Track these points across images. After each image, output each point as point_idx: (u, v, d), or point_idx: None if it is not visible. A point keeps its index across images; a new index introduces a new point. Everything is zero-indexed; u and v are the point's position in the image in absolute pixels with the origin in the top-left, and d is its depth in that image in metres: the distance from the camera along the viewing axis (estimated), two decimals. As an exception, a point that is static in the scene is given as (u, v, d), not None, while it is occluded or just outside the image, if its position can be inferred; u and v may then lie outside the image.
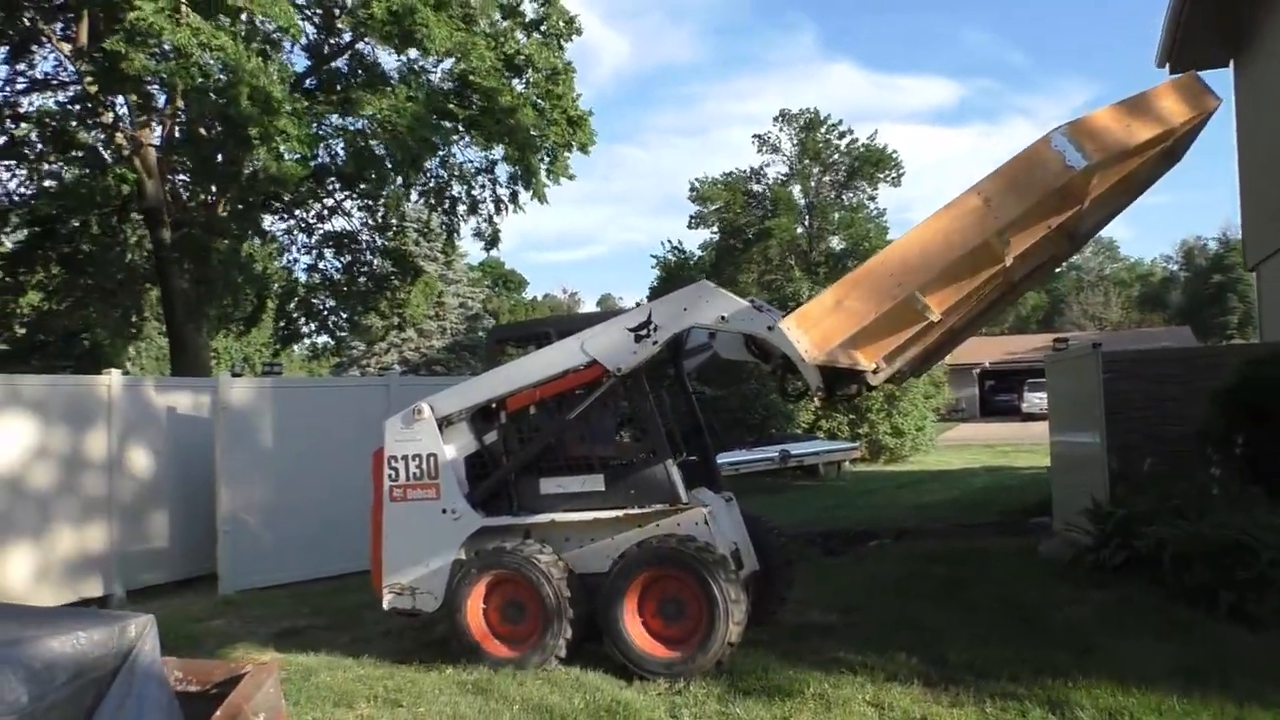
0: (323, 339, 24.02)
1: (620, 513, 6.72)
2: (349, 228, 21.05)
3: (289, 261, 22.31)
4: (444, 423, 7.05)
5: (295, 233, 21.38)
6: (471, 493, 7.02)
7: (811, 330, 5.65)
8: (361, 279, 21.10)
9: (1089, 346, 11.07)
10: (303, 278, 22.06)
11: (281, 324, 22.57)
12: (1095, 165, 5.59)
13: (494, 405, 7.10)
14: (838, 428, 25.37)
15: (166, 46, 13.77)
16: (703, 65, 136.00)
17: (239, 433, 10.74)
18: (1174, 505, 8.42)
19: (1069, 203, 5.98)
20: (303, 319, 22.27)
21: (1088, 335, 47.28)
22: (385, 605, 7.12)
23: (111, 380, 10.46)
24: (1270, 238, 12.30)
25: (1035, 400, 40.01)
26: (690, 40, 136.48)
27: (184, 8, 13.58)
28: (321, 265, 21.34)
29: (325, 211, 20.93)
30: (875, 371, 6.43)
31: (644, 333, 6.61)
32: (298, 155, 15.25)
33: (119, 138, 17.74)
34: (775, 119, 42.67)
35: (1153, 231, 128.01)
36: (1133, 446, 10.09)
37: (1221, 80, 14.02)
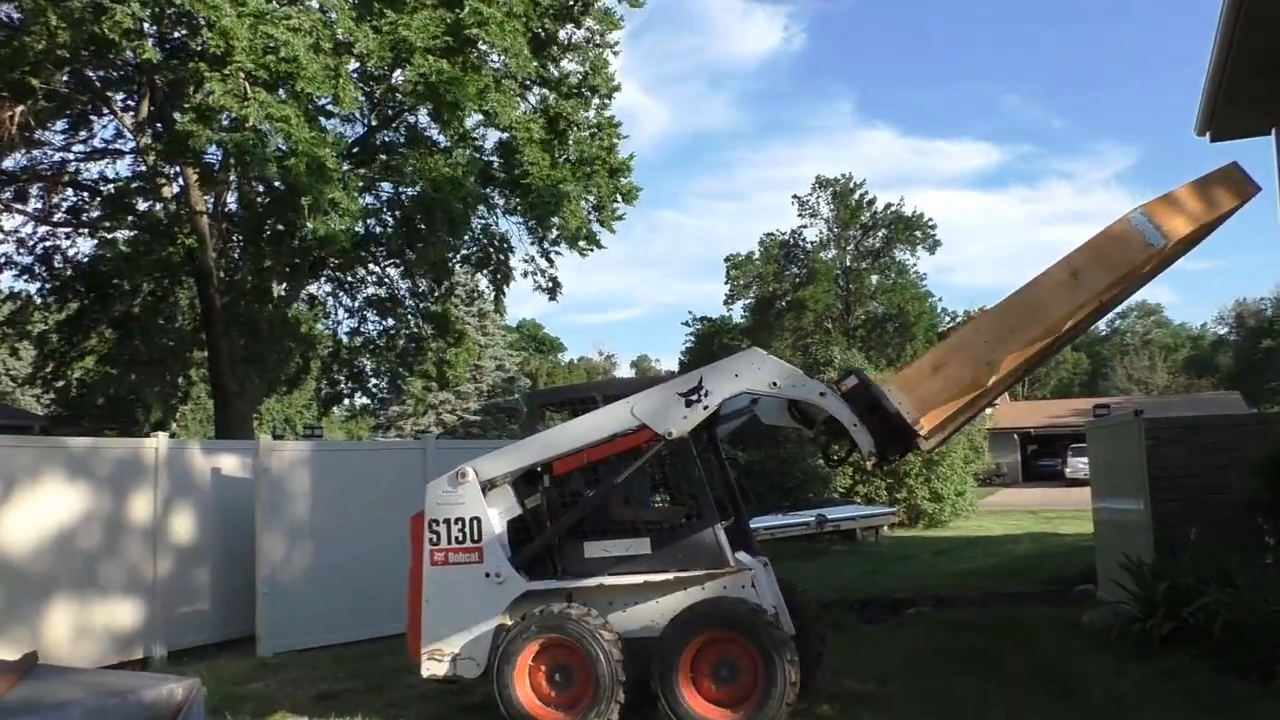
0: (362, 400, 24.43)
1: (670, 575, 6.73)
2: (391, 292, 21.46)
3: (332, 325, 22.79)
4: (487, 485, 7.04)
5: (339, 295, 21.86)
6: (514, 556, 6.96)
7: (912, 394, 5.89)
8: (401, 341, 21.45)
9: (1131, 414, 10.96)
10: (345, 339, 22.48)
11: (324, 385, 22.95)
12: (1169, 245, 5.92)
13: (539, 469, 7.13)
14: (875, 492, 25.08)
15: (228, 120, 14.33)
16: (742, 131, 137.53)
17: (279, 495, 10.90)
18: (1223, 575, 8.24)
19: (1140, 278, 6.24)
20: (344, 380, 22.61)
21: (1132, 400, 46.59)
22: (424, 672, 6.97)
23: (159, 443, 10.69)
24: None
25: (1079, 465, 39.35)
26: (729, 107, 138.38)
27: (245, 84, 14.11)
28: (364, 329, 21.77)
29: (369, 276, 21.39)
30: (928, 437, 6.57)
31: (695, 398, 6.77)
32: (345, 226, 15.68)
33: (174, 206, 18.36)
34: (815, 184, 43.20)
35: (1200, 296, 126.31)
36: (1177, 514, 9.91)
37: (1263, 148, 13.98)
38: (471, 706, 7.49)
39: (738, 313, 44.65)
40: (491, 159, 18.68)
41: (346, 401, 24.43)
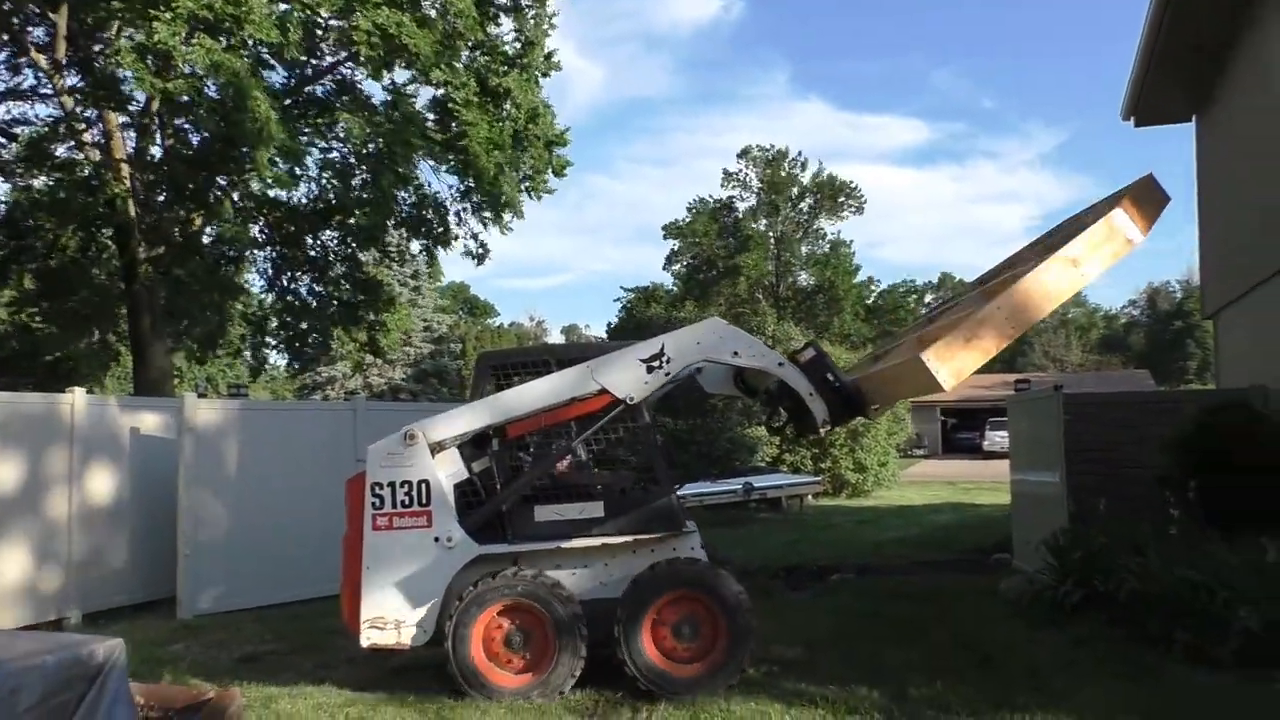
0: (286, 360, 23.89)
1: (629, 538, 6.82)
2: (324, 255, 20.97)
3: (261, 287, 22.20)
4: (435, 448, 6.91)
5: (269, 259, 21.26)
6: (464, 520, 6.87)
7: (949, 363, 6.09)
8: (333, 307, 21.00)
9: (1051, 388, 11.29)
10: (268, 299, 21.90)
11: (250, 346, 22.37)
12: (1140, 242, 6.50)
13: (491, 432, 7.04)
14: (801, 462, 25.52)
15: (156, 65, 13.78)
16: (677, 97, 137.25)
17: (203, 454, 10.66)
18: (1132, 546, 8.59)
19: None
20: (278, 342, 22.06)
21: (1049, 376, 47.98)
22: (365, 642, 6.77)
23: (75, 399, 10.34)
24: (1227, 287, 12.64)
25: (996, 438, 40.53)
26: (665, 72, 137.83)
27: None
28: (295, 288, 21.19)
29: (299, 241, 20.85)
30: (876, 407, 7.14)
31: (656, 364, 6.89)
32: (286, 167, 15.22)
33: (94, 153, 17.64)
34: (739, 156, 43.36)
35: (1114, 278, 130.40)
36: (1091, 487, 10.27)
37: (1184, 134, 14.46)
38: (402, 668, 7.47)
39: (671, 280, 44.76)
40: (427, 116, 18.28)
41: (276, 360, 23.91)
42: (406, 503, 6.77)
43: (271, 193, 16.75)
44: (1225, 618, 6.84)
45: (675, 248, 42.46)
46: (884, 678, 6.75)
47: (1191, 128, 14.18)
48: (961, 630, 8.33)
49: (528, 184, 18.96)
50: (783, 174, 42.94)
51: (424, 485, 6.80)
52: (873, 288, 48.10)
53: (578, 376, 6.96)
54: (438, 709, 6.39)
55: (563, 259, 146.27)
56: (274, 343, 21.99)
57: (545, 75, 19.18)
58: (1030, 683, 6.57)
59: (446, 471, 6.92)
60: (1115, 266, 6.75)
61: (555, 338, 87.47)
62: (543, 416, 6.95)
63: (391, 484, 6.80)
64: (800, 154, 42.82)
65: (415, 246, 21.15)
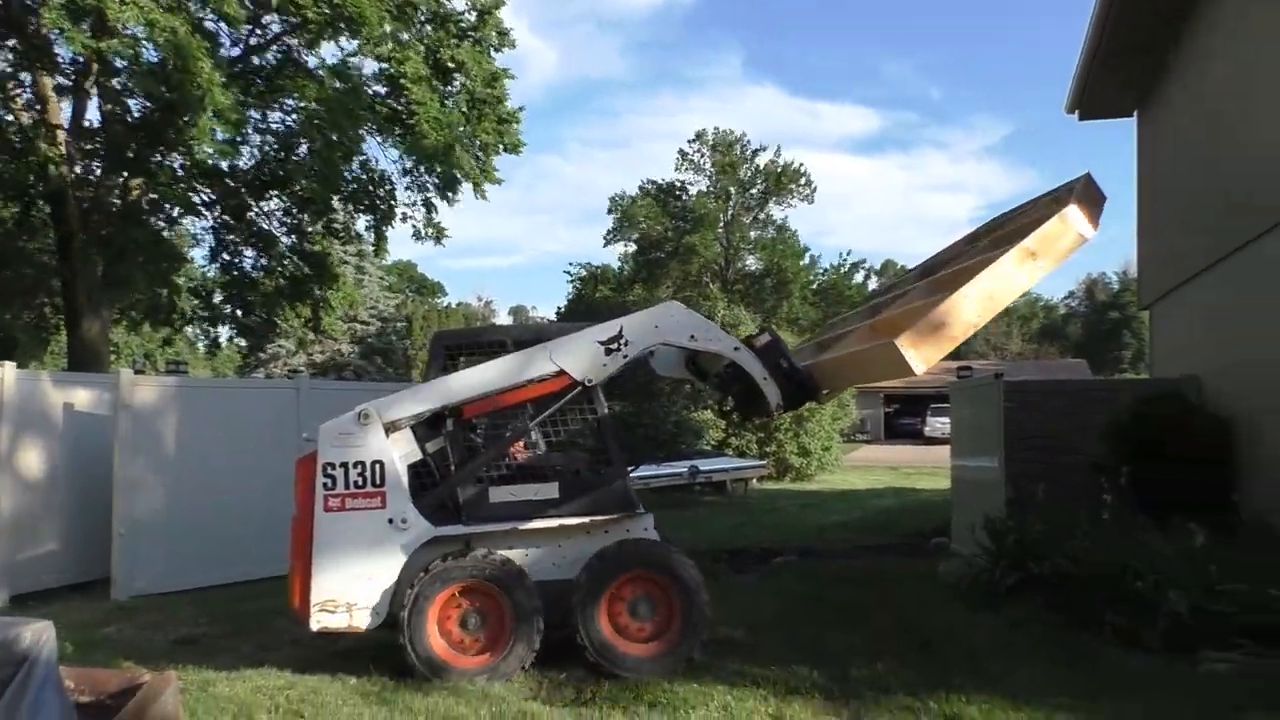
0: (229, 336, 23.38)
1: (586, 519, 6.85)
2: (268, 228, 20.49)
3: (204, 259, 21.66)
4: (389, 428, 6.80)
5: (211, 231, 20.72)
6: (417, 502, 6.77)
7: (921, 348, 6.18)
8: (279, 280, 20.55)
9: (992, 375, 11.49)
10: (212, 273, 21.37)
11: (202, 318, 21.80)
12: (1091, 238, 6.72)
13: (446, 412, 6.95)
14: (746, 446, 25.72)
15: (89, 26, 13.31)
16: (630, 80, 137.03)
17: (140, 432, 10.41)
18: (1067, 531, 8.80)
19: None
20: (226, 317, 21.56)
21: (989, 364, 48.88)
22: (314, 625, 6.62)
23: (5, 374, 10.03)
24: (1163, 280, 12.96)
25: (938, 425, 41.22)
26: (618, 53, 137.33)
27: None
28: (239, 263, 20.70)
29: (244, 212, 20.35)
30: (827, 392, 7.31)
31: (614, 346, 6.92)
32: (227, 137, 14.84)
33: (25, 117, 17.04)
34: (695, 138, 43.36)
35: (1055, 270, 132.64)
36: (1029, 473, 10.49)
37: (1126, 128, 14.77)
38: (345, 651, 7.38)
39: (616, 255, 44.65)
40: (376, 90, 17.94)
41: (216, 335, 23.29)
42: (360, 483, 6.65)
43: (211, 162, 16.27)
44: (1155, 602, 7.03)
45: (614, 222, 42.26)
46: (825, 659, 6.84)
47: (1133, 123, 14.48)
48: (901, 613, 8.47)
49: (479, 163, 18.72)
50: (736, 158, 43.05)
51: (378, 466, 6.69)
52: (817, 272, 48.44)
53: (535, 358, 6.94)
54: (380, 691, 6.34)
55: (513, 239, 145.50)
56: (223, 316, 21.46)
57: (499, 50, 18.95)
58: (967, 664, 6.70)
59: (400, 452, 6.83)
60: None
61: (503, 319, 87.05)
62: (499, 397, 6.91)
63: (344, 464, 6.66)
64: (746, 137, 42.98)
65: (361, 224, 20.75)
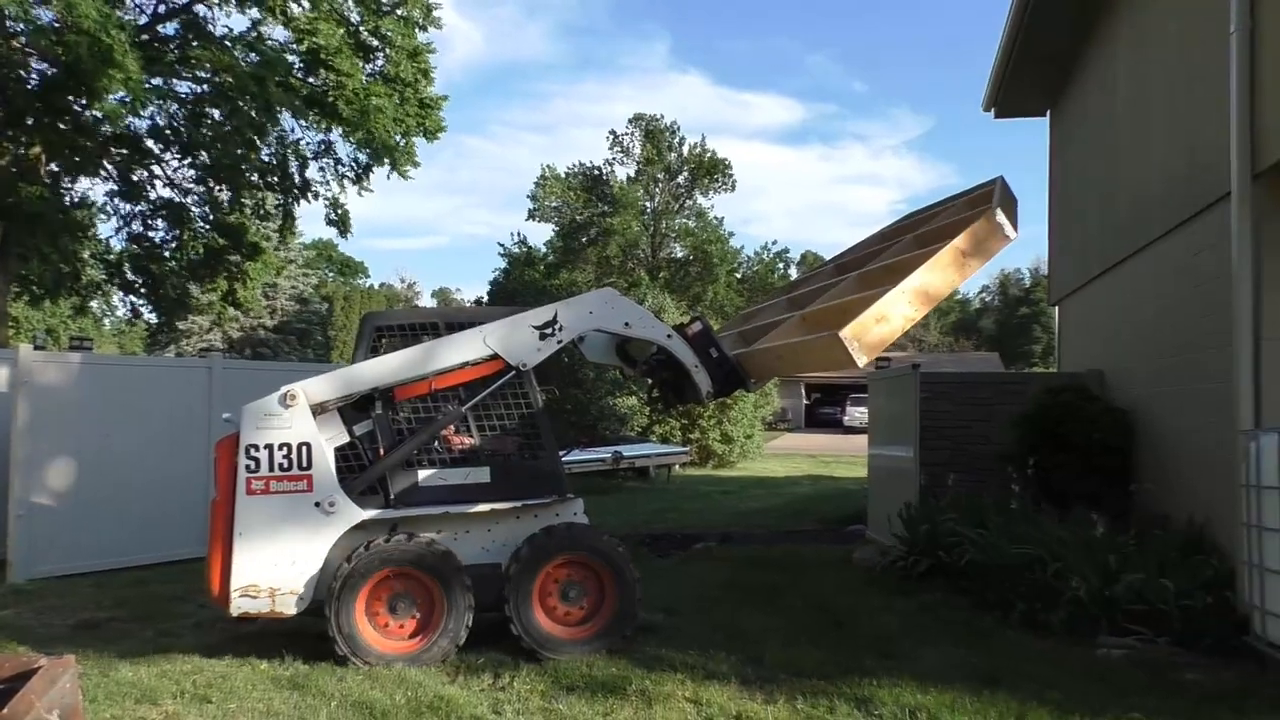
0: (138, 307, 22.59)
1: (519, 504, 6.86)
2: (178, 198, 19.84)
3: (115, 229, 20.86)
4: (316, 409, 6.64)
5: (120, 198, 19.95)
6: (344, 485, 6.63)
7: (864, 340, 6.36)
8: (193, 253, 19.90)
9: (909, 367, 11.74)
10: (118, 245, 20.62)
11: (111, 288, 21.03)
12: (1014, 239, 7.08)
13: (376, 394, 6.83)
14: (670, 432, 25.87)
15: None
16: (556, 64, 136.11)
17: (39, 411, 9.99)
18: (976, 519, 9.06)
19: None
20: (134, 288, 20.79)
21: (907, 356, 49.98)
22: (234, 610, 6.44)
23: (-106, 345, 9.55)
24: (1071, 278, 13.39)
25: (856, 414, 42.07)
26: (545, 37, 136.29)
27: None
28: (151, 234, 20.02)
29: (155, 179, 19.67)
30: (755, 381, 7.50)
31: (549, 331, 6.97)
32: (128, 97, 14.29)
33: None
34: (630, 121, 43.31)
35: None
36: (942, 463, 10.78)
37: (1039, 128, 15.18)
38: (251, 634, 7.23)
39: (542, 235, 44.49)
40: (295, 65, 17.48)
41: (134, 307, 22.45)
42: (285, 466, 6.48)
43: (105, 128, 15.67)
44: (1056, 588, 7.30)
45: (536, 200, 41.97)
46: (742, 643, 6.94)
47: (1045, 122, 14.90)
48: (817, 597, 8.62)
49: (401, 145, 18.41)
50: (664, 145, 43.14)
51: (305, 448, 6.53)
52: (741, 259, 48.84)
53: (470, 341, 6.90)
54: (292, 676, 6.22)
55: (434, 220, 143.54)
56: (133, 287, 20.71)
57: (423, 28, 18.64)
58: (878, 648, 6.86)
59: (327, 434, 6.70)
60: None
61: (427, 301, 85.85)
62: (432, 380, 6.84)
63: (269, 446, 6.49)
64: (677, 124, 43.11)
65: (270, 202, 20.21)
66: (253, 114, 15.91)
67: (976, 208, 7.75)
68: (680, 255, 45.35)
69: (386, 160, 18.21)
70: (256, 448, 6.47)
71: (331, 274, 68.58)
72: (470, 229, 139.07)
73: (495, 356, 6.91)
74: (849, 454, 30.09)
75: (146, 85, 14.65)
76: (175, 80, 17.40)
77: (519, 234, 42.34)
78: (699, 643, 6.94)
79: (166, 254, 19.74)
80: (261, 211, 20.80)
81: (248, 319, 47.06)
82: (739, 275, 48.52)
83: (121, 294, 21.15)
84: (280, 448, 6.49)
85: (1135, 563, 7.30)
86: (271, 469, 6.46)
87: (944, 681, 5.94)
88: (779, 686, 5.95)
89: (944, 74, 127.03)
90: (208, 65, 16.05)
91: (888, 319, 6.53)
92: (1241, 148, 7.02)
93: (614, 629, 6.81)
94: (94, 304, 21.46)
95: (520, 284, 38.32)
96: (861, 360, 6.39)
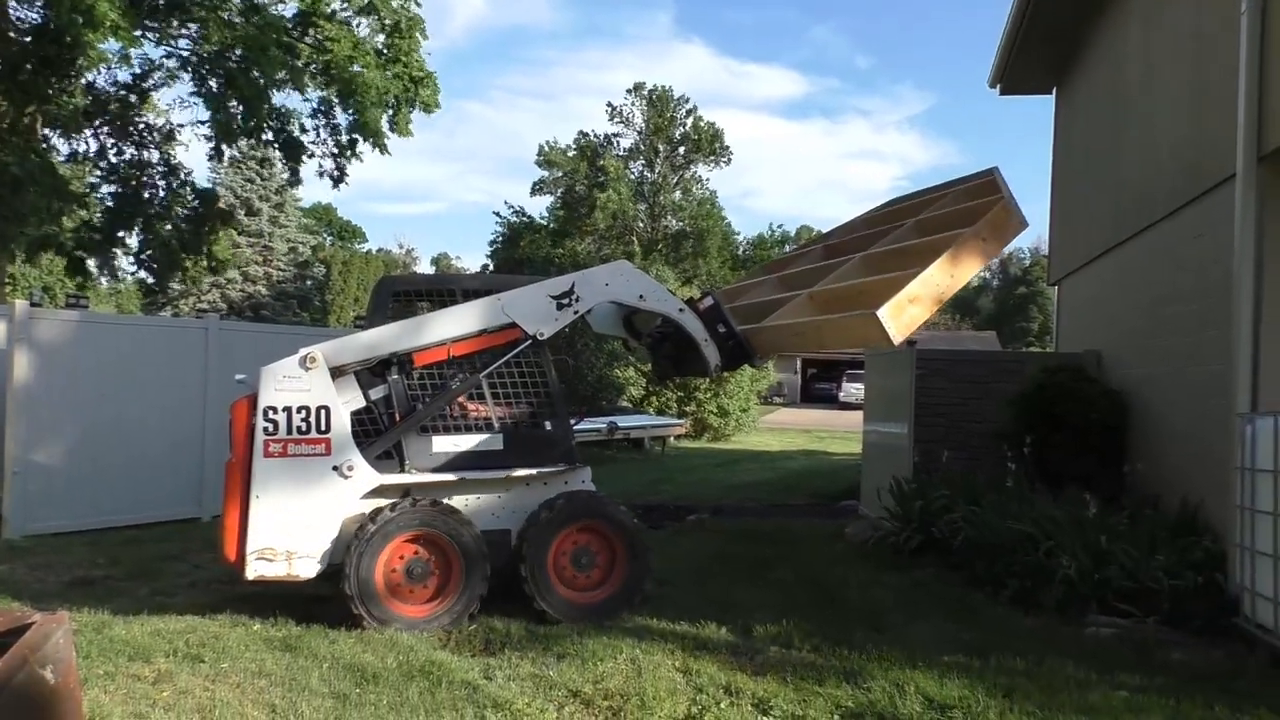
0: (129, 268, 22.48)
1: (533, 471, 6.99)
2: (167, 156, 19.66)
3: (100, 188, 20.66)
4: (335, 373, 6.63)
5: (110, 150, 19.74)
6: (361, 449, 6.63)
7: (899, 320, 6.54)
8: (178, 217, 19.76)
9: (905, 344, 11.73)
10: (107, 202, 20.42)
11: (95, 244, 20.86)
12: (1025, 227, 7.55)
13: (394, 359, 6.82)
14: (666, 404, 25.90)
15: None
16: (559, 30, 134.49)
17: (36, 367, 9.98)
18: (969, 496, 9.09)
19: None
20: (139, 251, 20.66)
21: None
22: (250, 574, 6.42)
23: (-111, 299, 9.51)
24: (1071, 258, 13.35)
25: (852, 390, 42.12)
26: (548, 3, 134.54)
27: None
28: (145, 194, 19.84)
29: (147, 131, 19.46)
30: (760, 357, 7.77)
31: (566, 301, 7.06)
32: (119, 46, 14.11)
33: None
34: (629, 91, 42.98)
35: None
36: (937, 440, 10.80)
37: (1045, 105, 15.09)
38: (246, 594, 7.25)
39: (541, 206, 44.19)
40: (292, 27, 17.28)
41: (114, 265, 22.32)
42: (303, 429, 6.45)
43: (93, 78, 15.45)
44: (1048, 567, 7.33)
45: (544, 177, 41.78)
46: (733, 614, 6.97)
47: (1052, 99, 14.80)
48: (808, 571, 8.66)
49: (391, 116, 18.22)
50: (666, 117, 42.81)
51: (323, 411, 6.50)
52: (738, 238, 48.70)
53: (489, 309, 6.94)
54: (285, 637, 6.25)
55: (434, 186, 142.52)
56: (122, 244, 20.57)
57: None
58: (869, 621, 6.90)
59: (343, 398, 6.69)
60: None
61: (425, 267, 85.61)
62: (450, 346, 6.86)
63: (288, 409, 6.44)
64: (684, 96, 42.87)
65: (275, 156, 20.07)
66: (256, 76, 15.72)
67: (980, 197, 8.01)
68: (677, 228, 45.20)
69: (369, 139, 18.04)
70: (275, 410, 6.44)
71: (329, 238, 68.34)
72: (469, 195, 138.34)
73: (513, 325, 6.96)
74: (843, 429, 30.16)
75: (131, 31, 14.43)
76: (174, 40, 17.24)
77: (514, 205, 41.79)
78: (690, 613, 6.97)
79: (150, 216, 19.53)
80: (262, 170, 20.67)
81: (246, 283, 46.96)
82: (739, 252, 48.40)
83: (106, 247, 20.97)
84: (299, 410, 6.46)
85: (1127, 543, 7.33)
86: (290, 431, 6.44)
87: (933, 656, 5.97)
88: (769, 658, 5.99)
89: (948, 50, 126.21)
90: (210, 26, 15.85)
91: (920, 300, 6.72)
92: (1248, 129, 6.97)
93: (624, 596, 6.95)
94: (90, 264, 21.23)
95: (522, 253, 38.21)
96: (898, 339, 6.56)
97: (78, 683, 3.52)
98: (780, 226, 61.44)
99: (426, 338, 6.82)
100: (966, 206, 8.10)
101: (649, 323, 7.74)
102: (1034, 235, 79.21)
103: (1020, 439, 9.92)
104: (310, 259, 54.82)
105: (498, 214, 44.96)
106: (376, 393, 6.86)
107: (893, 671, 5.67)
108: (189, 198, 19.76)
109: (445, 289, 7.30)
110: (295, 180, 19.89)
